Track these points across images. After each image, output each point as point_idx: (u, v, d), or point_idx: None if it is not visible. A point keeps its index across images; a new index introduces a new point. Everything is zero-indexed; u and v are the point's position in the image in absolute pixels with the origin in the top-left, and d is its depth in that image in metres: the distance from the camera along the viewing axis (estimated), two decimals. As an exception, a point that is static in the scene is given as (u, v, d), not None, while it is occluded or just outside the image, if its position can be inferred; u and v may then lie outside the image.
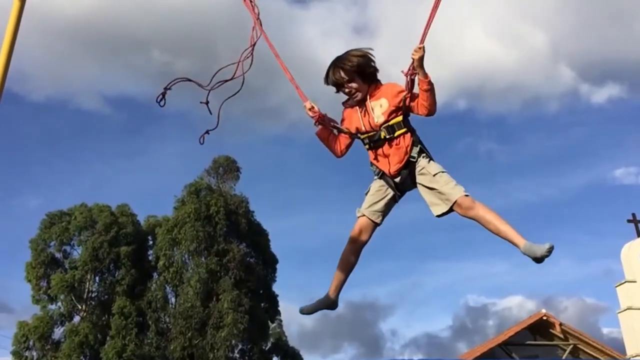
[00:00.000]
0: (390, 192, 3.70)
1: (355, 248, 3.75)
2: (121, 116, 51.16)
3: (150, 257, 28.57)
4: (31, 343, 25.50)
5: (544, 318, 20.30)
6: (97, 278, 27.57)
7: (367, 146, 3.75)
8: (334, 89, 3.82)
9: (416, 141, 3.66)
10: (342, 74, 3.69)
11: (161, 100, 3.95)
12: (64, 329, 26.02)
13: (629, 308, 17.47)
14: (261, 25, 4.02)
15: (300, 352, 30.33)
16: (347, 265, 3.77)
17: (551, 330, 20.44)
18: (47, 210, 28.85)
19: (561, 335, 20.39)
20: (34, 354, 25.87)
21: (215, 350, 24.91)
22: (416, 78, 3.58)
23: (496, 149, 56.87)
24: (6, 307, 51.34)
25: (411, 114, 3.71)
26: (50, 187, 46.92)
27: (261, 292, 28.19)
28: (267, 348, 28.45)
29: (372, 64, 3.75)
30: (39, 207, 51.85)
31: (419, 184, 3.63)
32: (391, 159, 3.65)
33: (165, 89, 3.94)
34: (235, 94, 4.04)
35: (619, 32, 55.23)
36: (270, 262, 29.00)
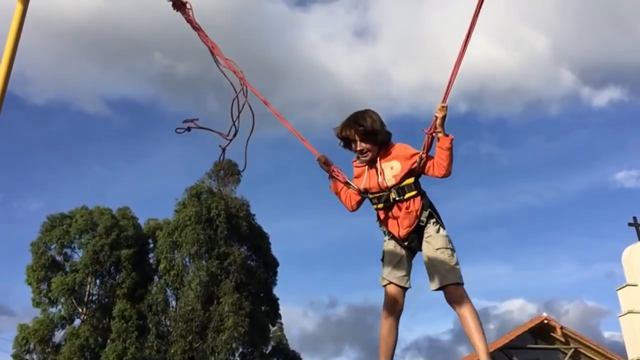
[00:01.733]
0: (404, 251, 3.63)
1: (392, 322, 3.61)
2: (122, 119, 51.31)
3: (151, 260, 28.57)
4: (32, 346, 25.48)
5: (545, 321, 20.25)
6: (97, 281, 27.58)
7: (375, 206, 3.69)
8: (340, 142, 3.77)
9: (426, 204, 3.59)
10: (355, 132, 3.64)
11: (183, 131, 3.89)
12: (64, 332, 26.02)
13: (630, 312, 17.45)
14: (245, 93, 3.82)
15: (301, 355, 30.31)
16: (390, 344, 3.61)
17: (552, 333, 20.40)
18: (48, 213, 28.91)
19: (562, 339, 20.34)
20: (35, 356, 25.86)
21: (216, 354, 24.88)
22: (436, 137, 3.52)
23: (497, 152, 56.94)
24: (7, 309, 51.31)
25: (423, 176, 3.65)
26: (52, 190, 47.00)
27: (262, 295, 28.17)
28: (267, 351, 28.40)
29: (385, 127, 3.69)
30: (40, 210, 51.98)
31: (423, 251, 3.58)
32: (401, 222, 3.58)
33: (187, 124, 3.86)
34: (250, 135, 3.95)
35: (620, 35, 55.28)
36: (271, 265, 28.99)
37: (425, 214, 3.57)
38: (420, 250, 3.62)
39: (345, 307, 51.79)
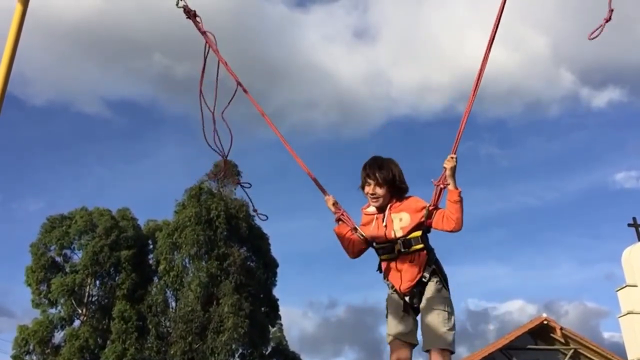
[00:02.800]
0: (407, 307, 3.54)
1: None
2: (122, 120, 51.32)
3: (150, 261, 28.56)
4: (31, 347, 25.47)
5: (545, 322, 20.25)
6: (97, 282, 27.57)
7: (380, 257, 3.63)
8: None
9: (431, 260, 3.51)
10: (374, 176, 3.61)
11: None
12: (64, 333, 26.02)
13: (630, 312, 17.44)
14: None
15: (300, 356, 30.34)
16: None
17: (552, 334, 20.40)
18: (48, 214, 28.92)
19: (562, 340, 20.34)
20: (34, 358, 25.86)
21: (216, 355, 24.86)
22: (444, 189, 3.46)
23: (497, 153, 56.93)
24: (6, 310, 51.29)
25: (432, 231, 3.57)
26: (51, 190, 47.00)
27: (262, 296, 28.15)
28: (267, 352, 28.39)
29: (404, 181, 3.66)
30: (40, 211, 51.97)
31: (421, 308, 3.49)
32: (404, 275, 3.49)
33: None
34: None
35: (620, 36, 55.23)
36: (270, 266, 28.97)
37: (429, 269, 3.48)
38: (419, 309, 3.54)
39: (345, 307, 51.88)
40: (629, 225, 18.78)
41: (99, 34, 45.08)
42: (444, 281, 3.51)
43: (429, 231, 3.56)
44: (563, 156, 57.81)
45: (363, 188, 3.70)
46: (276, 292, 29.24)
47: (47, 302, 26.57)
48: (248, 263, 27.93)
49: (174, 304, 27.25)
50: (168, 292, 27.30)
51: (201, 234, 26.51)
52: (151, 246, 28.99)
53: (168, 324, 26.60)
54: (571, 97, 59.32)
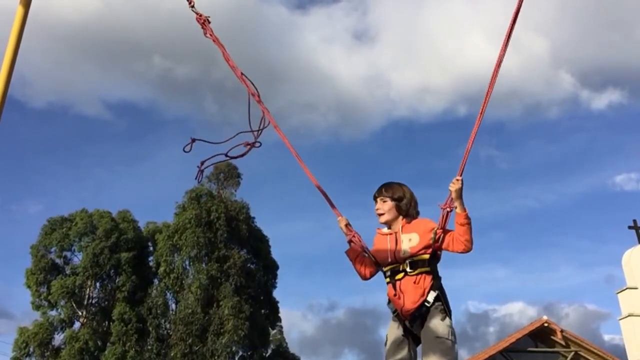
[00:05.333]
0: (407, 335, 3.53)
1: None
2: (122, 122, 51.32)
3: (150, 263, 28.56)
4: (31, 349, 25.45)
5: (545, 324, 20.21)
6: (97, 284, 27.55)
7: (387, 279, 3.63)
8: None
9: (435, 286, 3.50)
10: (382, 192, 3.78)
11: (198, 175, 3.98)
12: (64, 335, 26.00)
13: (631, 315, 17.42)
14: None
15: (300, 358, 30.32)
16: None
17: (552, 336, 20.36)
18: (48, 216, 28.92)
19: (562, 342, 20.30)
20: (34, 360, 25.83)
21: (216, 357, 24.85)
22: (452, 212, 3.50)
23: (497, 155, 56.90)
24: (6, 312, 51.23)
25: (442, 255, 3.60)
26: (51, 193, 47.01)
27: (262, 298, 28.15)
28: (267, 354, 28.37)
29: (413, 204, 3.77)
30: (40, 213, 51.95)
31: (422, 333, 3.46)
32: (407, 297, 3.48)
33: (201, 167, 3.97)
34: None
35: (619, 38, 55.35)
36: (270, 268, 28.98)
37: (433, 294, 3.46)
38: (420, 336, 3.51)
39: (345, 310, 51.82)
40: (629, 227, 18.75)
41: (99, 36, 45.19)
42: (447, 309, 3.48)
43: (437, 258, 3.59)
44: (563, 158, 57.87)
45: (375, 200, 3.85)
46: (276, 294, 29.30)
47: (47, 304, 26.55)
48: (248, 265, 27.93)
49: (174, 306, 27.24)
50: (168, 294, 27.30)
51: (201, 236, 26.51)
52: (151, 248, 28.99)
53: (168, 326, 26.59)
54: (571, 100, 59.29)
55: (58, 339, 26.25)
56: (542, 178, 57.69)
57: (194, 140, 3.90)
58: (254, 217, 29.36)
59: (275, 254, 29.54)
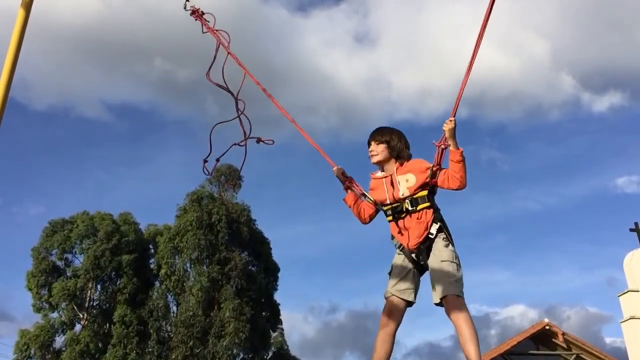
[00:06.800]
0: (412, 266, 3.67)
1: (387, 334, 3.62)
2: (123, 124, 51.31)
3: (152, 266, 28.54)
4: (32, 351, 25.43)
5: (547, 327, 20.18)
6: (98, 286, 27.54)
7: (389, 218, 3.78)
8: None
9: (437, 218, 3.68)
10: (377, 136, 3.93)
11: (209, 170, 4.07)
12: (65, 338, 25.96)
13: (632, 317, 17.39)
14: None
15: (301, 361, 30.23)
16: (383, 354, 3.62)
17: (554, 339, 20.33)
18: (49, 218, 28.92)
19: (564, 345, 20.27)
20: (35, 362, 25.80)
21: (217, 359, 24.83)
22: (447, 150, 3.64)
23: (498, 157, 56.91)
24: (7, 315, 51.19)
25: (439, 191, 3.75)
26: (52, 195, 47.04)
27: (263, 300, 28.13)
28: (268, 357, 28.34)
29: (404, 145, 3.91)
30: (41, 215, 51.85)
31: (429, 263, 3.61)
32: (411, 233, 3.66)
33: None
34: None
35: (620, 40, 55.37)
36: (271, 271, 28.96)
37: (436, 226, 3.64)
38: (427, 267, 3.65)
39: (346, 312, 51.67)
40: (631, 230, 18.72)
41: (100, 38, 45.25)
42: (450, 238, 3.66)
43: (434, 192, 3.75)
44: (564, 161, 57.86)
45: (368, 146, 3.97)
46: (277, 296, 29.27)
47: (48, 306, 26.54)
48: (249, 267, 27.91)
49: (175, 308, 27.22)
50: (169, 296, 27.28)
51: (202, 239, 26.50)
52: (152, 250, 28.96)
53: (169, 328, 26.58)
54: (572, 102, 59.30)
55: (59, 341, 26.25)
56: (544, 180, 57.69)
57: (206, 161, 4.03)
58: (255, 220, 29.39)
59: (277, 256, 29.56)
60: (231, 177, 29.30)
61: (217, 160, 4.02)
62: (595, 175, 59.60)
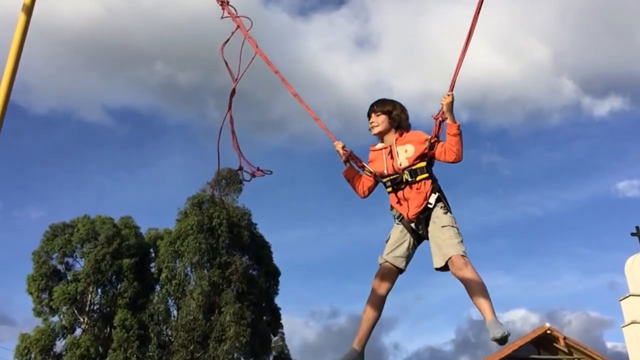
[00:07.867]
0: (410, 237, 3.77)
1: (378, 297, 3.76)
2: (124, 128, 51.39)
3: (152, 270, 28.52)
4: (33, 355, 25.38)
5: (548, 332, 20.16)
6: (99, 290, 27.52)
7: (389, 189, 3.86)
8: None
9: (436, 188, 3.77)
10: (376, 107, 4.00)
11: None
12: (65, 342, 25.92)
13: (634, 322, 17.38)
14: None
15: (302, 365, 30.19)
16: (371, 316, 3.79)
17: (555, 344, 20.31)
18: (50, 222, 28.91)
19: (565, 350, 20.25)
20: (36, 366, 25.77)
21: (217, 364, 24.78)
22: (444, 123, 3.73)
23: (499, 162, 56.88)
24: (8, 319, 51.15)
25: (436, 163, 3.84)
26: (53, 199, 47.02)
27: (263, 305, 28.09)
28: (269, 361, 28.30)
29: (405, 116, 3.98)
30: (42, 219, 51.91)
31: (429, 231, 3.70)
32: (411, 203, 3.75)
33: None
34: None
35: (621, 44, 55.40)
36: (272, 275, 28.93)
37: (434, 196, 3.72)
38: (427, 236, 3.73)
39: (347, 317, 51.53)
40: (632, 234, 18.72)
41: (101, 42, 45.32)
42: (448, 207, 3.75)
43: (432, 163, 3.84)
44: (565, 165, 57.79)
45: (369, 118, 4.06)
46: (278, 300, 29.22)
47: (48, 310, 26.51)
48: (250, 271, 27.89)
49: (175, 312, 27.19)
50: (170, 300, 27.26)
51: (203, 242, 26.49)
52: (153, 254, 28.94)
53: (170, 332, 26.54)
54: (573, 106, 59.25)
55: (59, 345, 26.20)
56: (544, 185, 57.62)
57: (241, 168, 4.28)
58: (255, 224, 29.38)
59: (277, 260, 29.53)
60: (232, 181, 29.30)
61: (258, 168, 4.27)
62: (596, 179, 59.59)
